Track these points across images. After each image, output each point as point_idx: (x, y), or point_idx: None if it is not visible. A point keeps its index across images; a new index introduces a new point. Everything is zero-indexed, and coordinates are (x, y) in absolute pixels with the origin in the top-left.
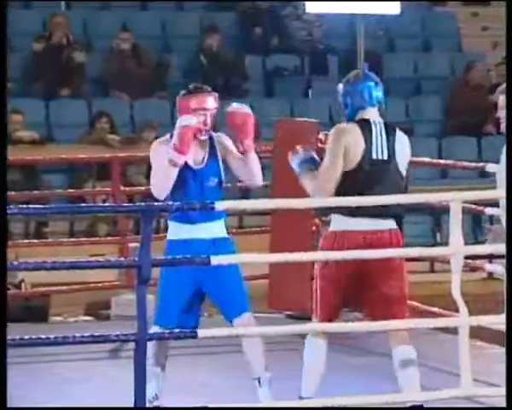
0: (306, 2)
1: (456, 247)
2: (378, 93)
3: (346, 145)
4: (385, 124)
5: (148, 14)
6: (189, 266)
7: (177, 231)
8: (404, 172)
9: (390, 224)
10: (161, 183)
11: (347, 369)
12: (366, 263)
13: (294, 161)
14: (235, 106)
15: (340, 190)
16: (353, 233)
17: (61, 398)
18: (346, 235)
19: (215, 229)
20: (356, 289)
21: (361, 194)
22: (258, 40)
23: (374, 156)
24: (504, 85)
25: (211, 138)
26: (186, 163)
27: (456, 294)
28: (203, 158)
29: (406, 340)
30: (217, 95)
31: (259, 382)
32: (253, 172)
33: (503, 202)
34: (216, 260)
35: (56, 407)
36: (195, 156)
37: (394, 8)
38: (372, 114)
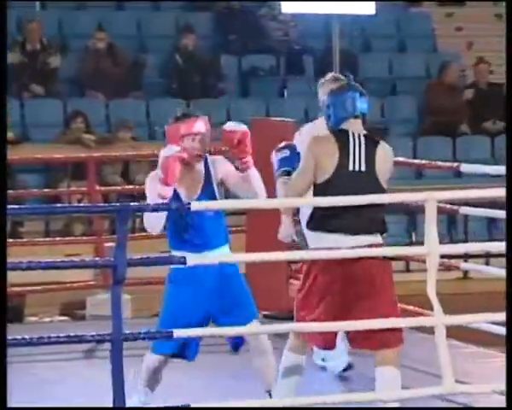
0: (282, 3)
1: (432, 246)
2: (363, 104)
3: (316, 157)
4: (366, 136)
5: (123, 14)
6: (166, 266)
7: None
8: (384, 185)
9: (371, 240)
10: (153, 218)
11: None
12: (350, 279)
13: (274, 159)
14: (231, 125)
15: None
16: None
17: (47, 398)
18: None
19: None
20: (342, 306)
21: (337, 207)
22: (233, 40)
23: (350, 168)
24: (323, 79)
25: (205, 163)
26: (179, 197)
27: (432, 293)
28: (196, 188)
29: (393, 360)
30: (207, 118)
31: (270, 395)
32: (254, 188)
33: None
34: (192, 260)
35: (56, 407)
36: (189, 187)
37: (369, 9)
38: (354, 125)
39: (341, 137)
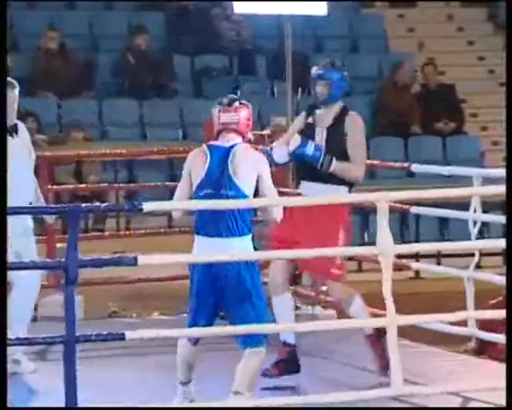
0: (234, 3)
1: (384, 246)
2: None
3: None
4: None
5: (75, 14)
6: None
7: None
8: None
9: None
10: None
11: None
12: None
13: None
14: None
15: None
16: None
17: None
18: None
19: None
20: None
21: None
22: (186, 40)
23: None
24: None
25: None
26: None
27: (386, 293)
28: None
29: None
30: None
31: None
32: None
33: None
34: (142, 260)
35: (61, 407)
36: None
37: (321, 9)
38: None
39: None
